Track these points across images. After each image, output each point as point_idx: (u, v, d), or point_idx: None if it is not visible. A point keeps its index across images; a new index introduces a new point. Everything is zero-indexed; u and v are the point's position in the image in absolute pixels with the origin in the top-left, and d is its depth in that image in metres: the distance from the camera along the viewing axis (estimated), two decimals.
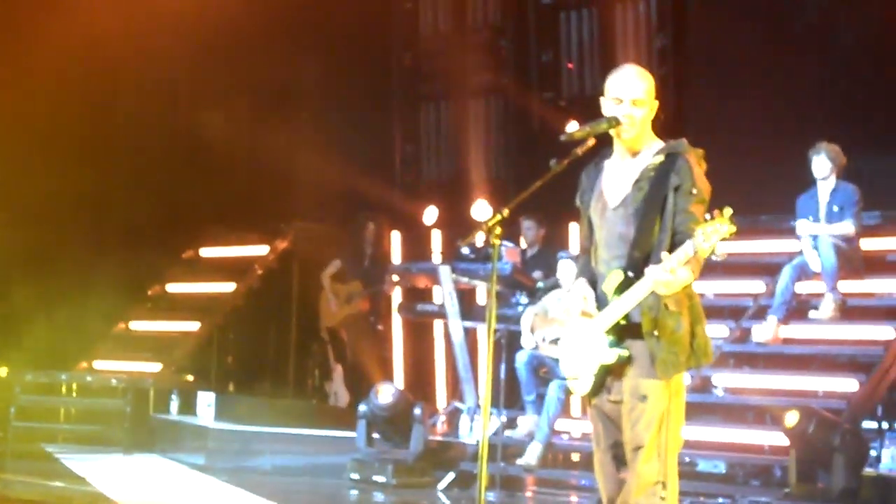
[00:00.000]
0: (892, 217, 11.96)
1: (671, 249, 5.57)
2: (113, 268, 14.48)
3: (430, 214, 14.29)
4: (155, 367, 14.49)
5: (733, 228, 5.41)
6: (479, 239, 11.41)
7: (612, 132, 5.84)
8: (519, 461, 11.04)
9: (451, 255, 13.10)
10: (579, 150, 5.84)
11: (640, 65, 5.96)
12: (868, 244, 11.50)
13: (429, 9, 16.31)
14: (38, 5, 14.47)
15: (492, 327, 5.84)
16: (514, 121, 15.43)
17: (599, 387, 5.81)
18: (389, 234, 14.96)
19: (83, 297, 14.55)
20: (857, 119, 12.00)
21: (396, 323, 14.71)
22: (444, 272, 12.40)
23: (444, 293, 12.54)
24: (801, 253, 11.36)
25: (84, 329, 14.83)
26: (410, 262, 14.20)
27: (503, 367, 11.55)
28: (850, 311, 11.23)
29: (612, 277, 5.73)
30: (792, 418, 9.81)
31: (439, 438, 12.11)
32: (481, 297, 13.29)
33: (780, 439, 10.16)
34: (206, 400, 13.64)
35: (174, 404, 14.09)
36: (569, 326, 5.96)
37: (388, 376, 13.99)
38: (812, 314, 11.26)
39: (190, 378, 14.52)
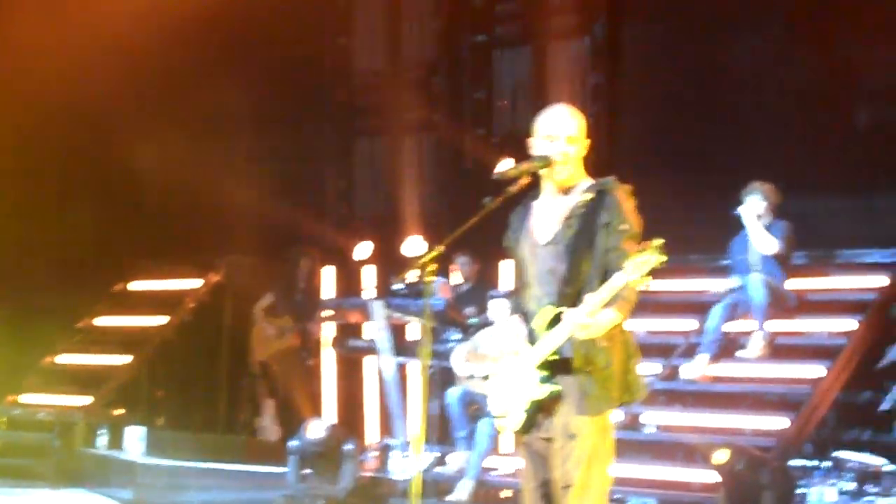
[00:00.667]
0: (818, 257, 12.10)
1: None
2: (41, 301, 14.34)
3: (363, 249, 14.27)
4: (84, 400, 14.30)
5: (663, 258, 5.45)
6: (413, 275, 11.41)
7: (541, 172, 5.88)
8: (449, 497, 11.02)
9: (383, 291, 13.09)
10: (513, 189, 5.88)
11: (574, 103, 6.02)
12: (800, 284, 11.62)
13: (363, 45, 16.34)
14: None
15: (426, 363, 5.84)
16: (447, 157, 15.46)
17: (530, 424, 5.82)
18: (322, 269, 14.93)
19: (10, 329, 14.38)
20: (786, 160, 12.14)
21: (328, 358, 14.67)
22: (377, 307, 12.38)
23: (376, 329, 12.51)
24: (732, 291, 11.47)
25: (11, 362, 14.65)
26: (343, 297, 14.17)
27: (435, 403, 11.55)
28: (779, 349, 11.33)
29: (544, 313, 5.75)
30: (721, 456, 9.86)
31: (370, 474, 12.05)
32: (413, 333, 13.29)
33: (709, 476, 10.20)
34: (135, 434, 13.51)
35: (103, 439, 13.92)
36: (500, 363, 5.98)
37: (319, 412, 13.95)
38: (740, 353, 11.34)
39: (119, 412, 14.37)
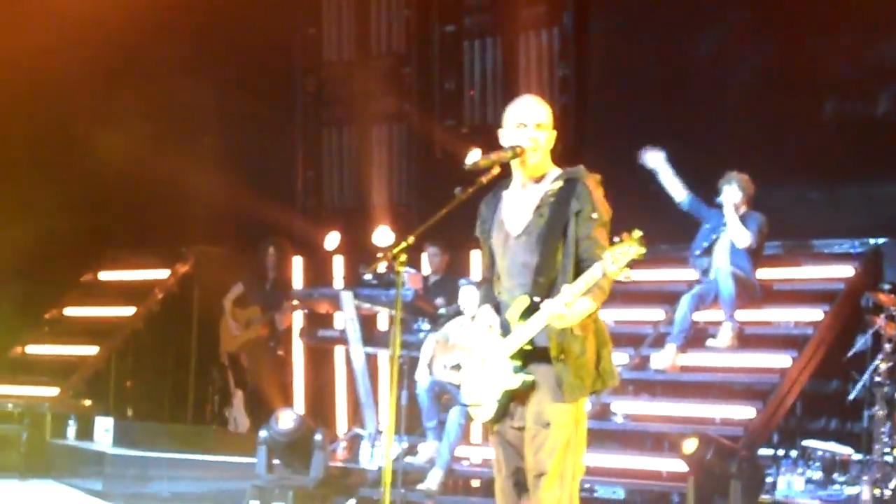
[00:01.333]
0: (791, 247, 12.16)
1: (576, 276, 5.63)
2: (9, 291, 14.28)
3: (332, 240, 14.24)
4: (52, 391, 14.24)
5: (643, 250, 5.46)
6: (383, 266, 11.42)
7: (512, 162, 5.90)
8: (420, 487, 11.02)
9: (352, 281, 13.08)
10: (484, 179, 5.89)
11: (542, 93, 6.07)
12: (768, 274, 11.67)
13: (332, 35, 16.33)
14: None
15: (396, 354, 5.85)
16: (417, 148, 15.48)
17: (503, 413, 5.84)
18: (291, 259, 14.92)
19: None
20: (758, 150, 12.18)
21: (297, 348, 14.66)
22: (346, 298, 12.37)
23: (345, 319, 12.51)
24: (699, 282, 11.51)
25: None
26: (312, 287, 14.15)
27: (405, 393, 11.56)
28: (747, 339, 11.37)
29: (518, 303, 5.76)
30: (690, 445, 9.89)
31: (340, 464, 12.06)
32: (383, 323, 13.28)
33: (678, 466, 10.23)
34: (103, 425, 13.49)
35: (71, 429, 13.90)
36: (472, 353, 5.99)
37: (288, 402, 13.92)
38: (710, 342, 11.38)
39: (88, 403, 14.32)
